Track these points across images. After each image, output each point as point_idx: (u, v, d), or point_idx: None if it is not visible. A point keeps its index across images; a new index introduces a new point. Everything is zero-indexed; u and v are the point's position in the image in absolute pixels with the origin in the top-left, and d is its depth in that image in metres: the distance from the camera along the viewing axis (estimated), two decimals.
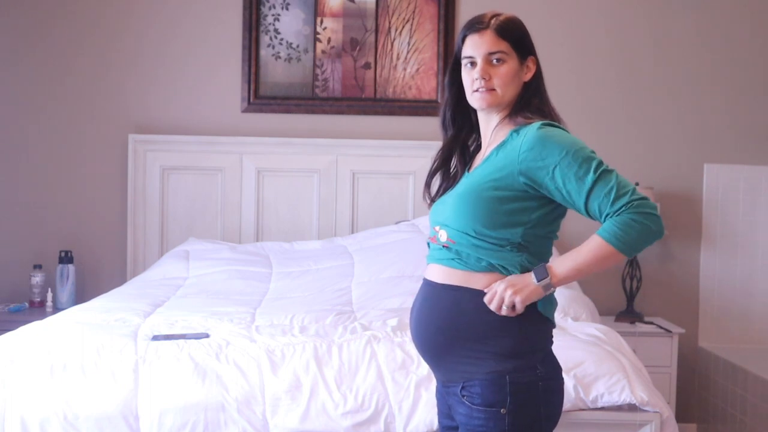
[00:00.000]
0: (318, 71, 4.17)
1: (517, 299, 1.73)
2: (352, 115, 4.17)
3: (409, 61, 4.17)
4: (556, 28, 4.15)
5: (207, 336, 2.51)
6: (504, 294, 1.74)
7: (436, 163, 1.99)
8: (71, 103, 4.16)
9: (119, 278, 4.08)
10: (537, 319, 1.80)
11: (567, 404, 2.14)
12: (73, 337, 2.45)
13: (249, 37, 4.13)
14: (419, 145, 4.06)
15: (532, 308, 1.78)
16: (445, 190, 1.94)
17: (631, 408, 2.24)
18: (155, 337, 2.49)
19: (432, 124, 3.93)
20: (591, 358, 2.35)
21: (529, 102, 1.86)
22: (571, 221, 1.89)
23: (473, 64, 1.85)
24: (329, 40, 4.16)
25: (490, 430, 1.75)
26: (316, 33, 4.16)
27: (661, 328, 3.85)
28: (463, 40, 1.87)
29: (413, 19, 4.16)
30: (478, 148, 1.96)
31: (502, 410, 1.74)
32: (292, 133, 4.14)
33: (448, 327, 1.81)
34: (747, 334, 4.17)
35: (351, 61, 4.17)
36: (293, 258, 3.74)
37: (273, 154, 4.10)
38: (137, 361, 2.33)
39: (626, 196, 1.71)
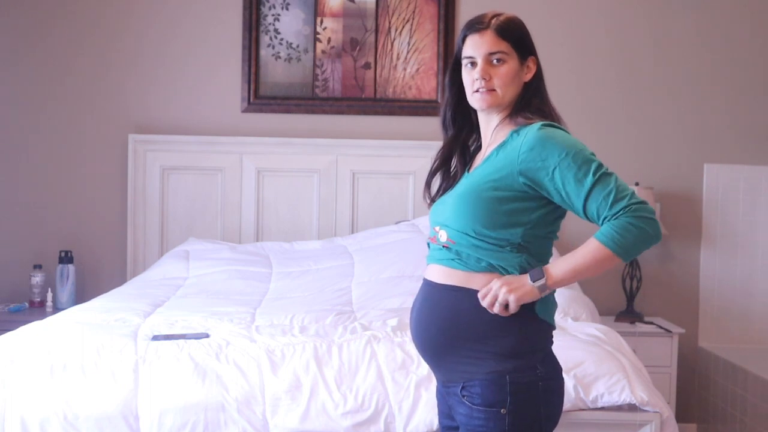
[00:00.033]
0: (318, 71, 4.17)
1: (511, 298, 1.73)
2: (352, 115, 4.17)
3: (409, 61, 4.17)
4: (556, 28, 4.15)
5: (207, 336, 2.51)
6: (498, 291, 1.74)
7: (436, 163, 1.99)
8: (71, 103, 4.16)
9: (119, 278, 4.08)
10: (537, 321, 1.80)
11: (567, 404, 2.14)
12: (73, 337, 2.45)
13: (249, 37, 4.13)
14: (419, 145, 4.06)
15: (530, 312, 1.78)
16: (445, 190, 1.94)
17: (631, 408, 2.24)
18: (155, 337, 2.49)
19: (432, 124, 3.94)
20: (591, 358, 2.35)
21: (530, 102, 1.86)
22: (572, 222, 1.89)
23: (473, 64, 1.85)
24: (329, 40, 4.16)
25: (491, 430, 1.75)
26: (316, 33, 4.16)
27: (661, 328, 3.85)
28: (463, 40, 1.87)
29: (413, 19, 4.16)
30: (479, 148, 1.96)
31: (502, 410, 1.74)
32: (292, 133, 4.14)
33: (449, 327, 1.81)
34: (747, 334, 4.17)
35: (351, 61, 4.17)
36: (293, 258, 3.74)
37: (273, 154, 4.10)
38: (137, 361, 2.33)
39: (624, 199, 1.71)
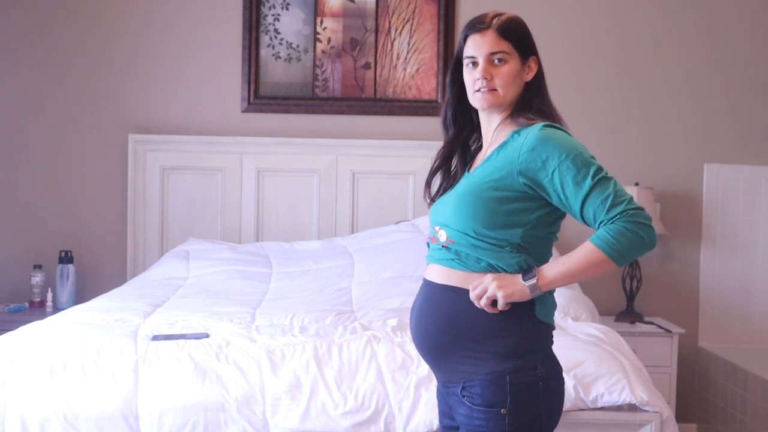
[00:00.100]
0: (318, 71, 4.17)
1: (500, 294, 1.73)
2: (352, 115, 4.17)
3: (409, 61, 4.17)
4: (556, 28, 4.15)
5: (207, 336, 2.51)
6: (488, 285, 1.74)
7: (436, 163, 1.98)
8: (71, 103, 4.16)
9: (119, 278, 4.08)
10: (536, 322, 1.80)
11: (567, 404, 2.14)
12: (73, 337, 2.45)
13: (249, 37, 4.13)
14: (419, 145, 4.06)
15: (529, 313, 1.78)
16: (445, 190, 1.94)
17: (631, 408, 2.24)
18: (155, 337, 2.49)
19: (432, 124, 3.95)
20: (591, 358, 2.35)
21: (531, 102, 1.86)
22: (572, 223, 1.89)
23: (475, 64, 1.85)
24: (329, 40, 4.16)
25: (491, 430, 1.75)
26: (316, 33, 4.16)
27: (661, 328, 3.85)
28: (464, 40, 1.87)
29: (413, 19, 4.16)
30: (479, 147, 1.96)
31: (502, 410, 1.74)
32: (292, 133, 4.14)
33: (449, 327, 1.81)
34: (747, 334, 4.17)
35: (351, 61, 4.17)
36: (293, 258, 3.74)
37: (273, 154, 4.10)
38: (137, 361, 2.33)
39: (622, 204, 1.70)
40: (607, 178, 1.73)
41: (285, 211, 4.12)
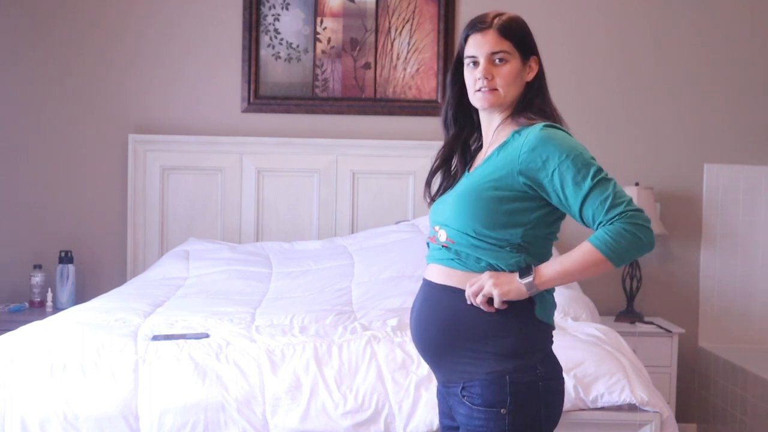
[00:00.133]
0: (318, 71, 4.17)
1: (495, 291, 1.73)
2: (352, 115, 4.17)
3: (409, 61, 4.17)
4: (556, 28, 4.15)
5: (207, 336, 2.51)
6: (485, 283, 1.74)
7: (437, 162, 1.98)
8: (71, 103, 4.16)
9: (119, 278, 4.08)
10: (536, 322, 1.80)
11: (567, 404, 2.14)
12: (73, 337, 2.45)
13: (249, 37, 4.13)
14: (419, 145, 4.06)
15: (529, 313, 1.78)
16: (445, 190, 1.94)
17: (631, 408, 2.24)
18: (155, 337, 2.49)
19: (432, 124, 3.95)
20: (591, 358, 2.35)
21: (532, 102, 1.86)
22: (572, 223, 1.89)
23: (476, 63, 1.85)
24: (329, 40, 4.16)
25: (491, 430, 1.75)
26: (316, 33, 4.16)
27: (661, 328, 3.85)
28: (465, 40, 1.87)
29: (413, 19, 4.16)
30: (480, 147, 1.96)
31: (502, 410, 1.74)
32: (292, 133, 4.14)
33: (448, 327, 1.81)
34: (747, 334, 4.17)
35: (351, 61, 4.17)
36: (293, 258, 3.74)
37: (273, 154, 4.10)
38: (137, 361, 2.33)
39: (621, 206, 1.71)
40: (606, 179, 1.73)
41: (285, 211, 4.12)
